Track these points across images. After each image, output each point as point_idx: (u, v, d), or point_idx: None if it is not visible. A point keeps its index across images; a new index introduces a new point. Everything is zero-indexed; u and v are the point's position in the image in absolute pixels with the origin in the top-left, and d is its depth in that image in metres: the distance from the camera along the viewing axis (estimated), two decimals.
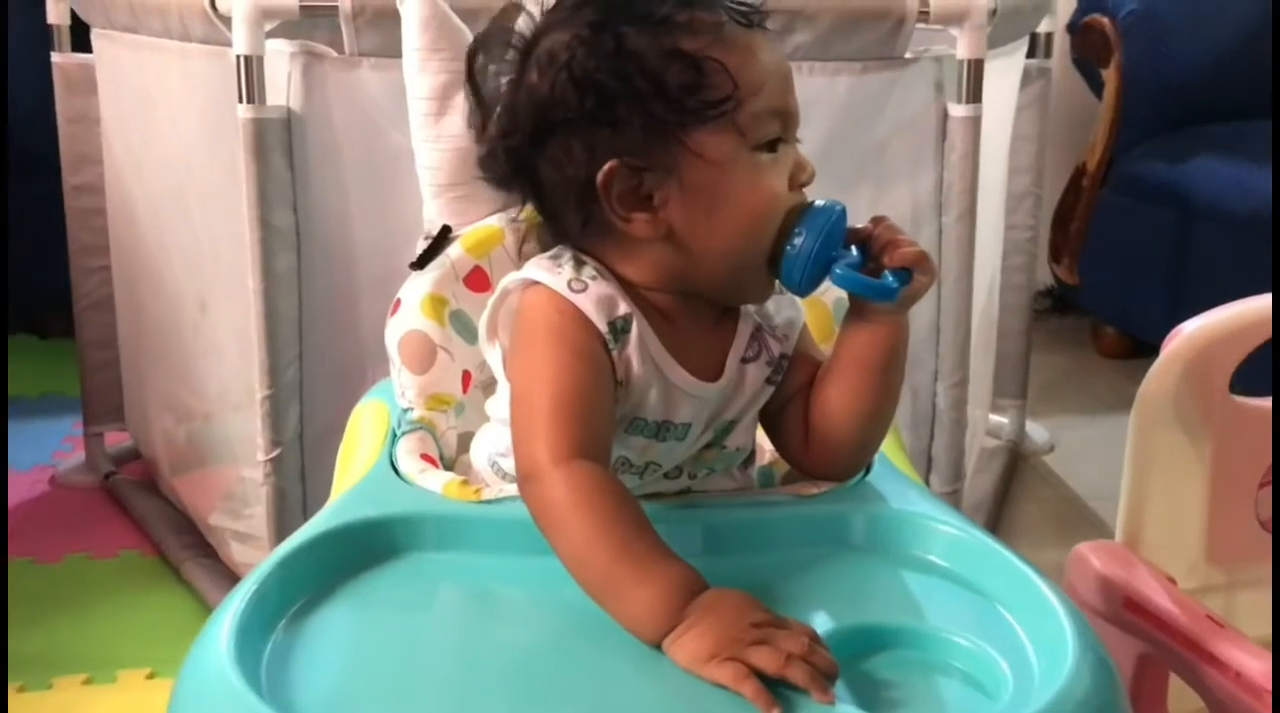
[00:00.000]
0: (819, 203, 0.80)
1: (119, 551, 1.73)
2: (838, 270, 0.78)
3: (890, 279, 0.79)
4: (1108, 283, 2.51)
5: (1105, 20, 2.45)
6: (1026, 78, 1.88)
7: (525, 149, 0.81)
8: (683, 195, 0.78)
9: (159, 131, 1.61)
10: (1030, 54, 1.88)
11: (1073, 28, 2.52)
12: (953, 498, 1.48)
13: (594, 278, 0.79)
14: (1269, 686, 0.88)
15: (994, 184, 1.76)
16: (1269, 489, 1.12)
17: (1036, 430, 2.11)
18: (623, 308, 0.79)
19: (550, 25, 0.81)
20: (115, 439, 2.00)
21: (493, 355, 0.86)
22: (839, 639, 0.69)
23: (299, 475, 1.40)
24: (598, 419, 0.76)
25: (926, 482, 1.49)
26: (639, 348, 0.79)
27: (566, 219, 0.81)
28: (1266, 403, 1.12)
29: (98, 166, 1.84)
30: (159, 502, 1.82)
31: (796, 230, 0.78)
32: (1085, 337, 2.62)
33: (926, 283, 0.80)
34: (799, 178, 0.80)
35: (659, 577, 0.69)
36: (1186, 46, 2.46)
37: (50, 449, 2.05)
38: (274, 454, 1.38)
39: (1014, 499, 1.92)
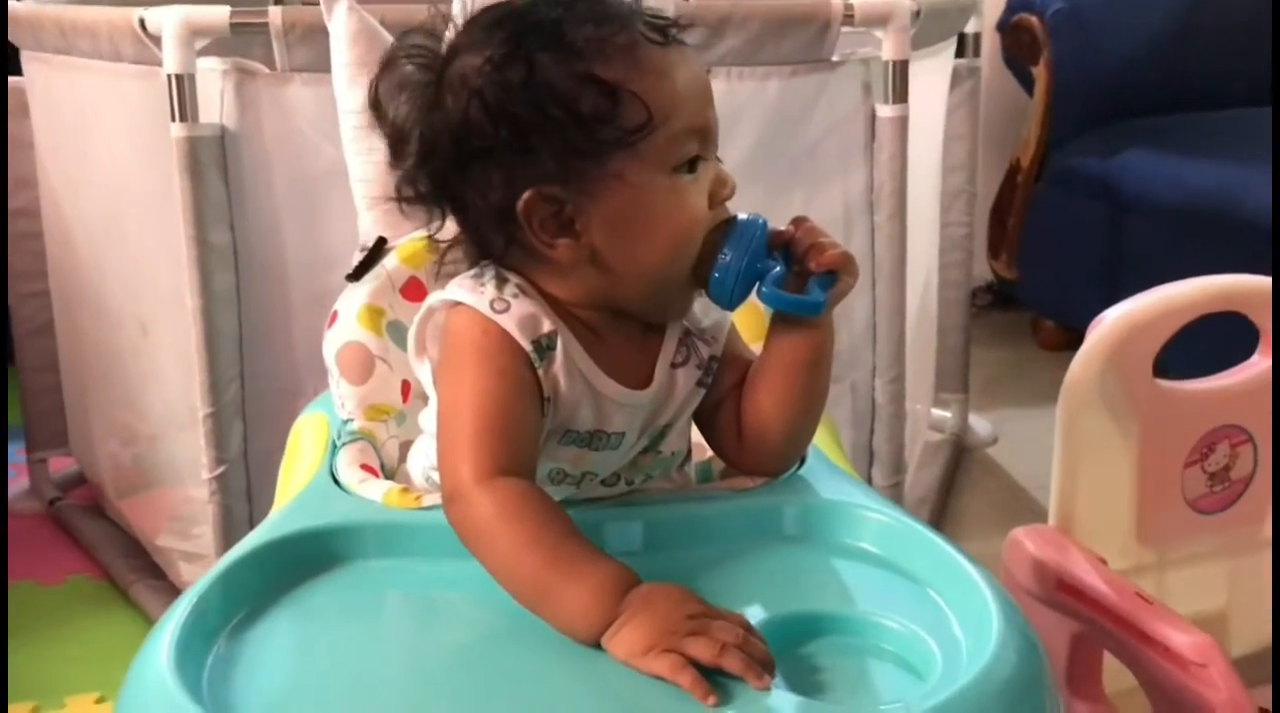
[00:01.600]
0: (741, 217, 0.81)
1: (66, 576, 1.72)
2: (764, 289, 0.79)
3: (816, 291, 0.80)
4: (1045, 277, 2.56)
5: (1034, 19, 2.50)
6: (956, 78, 1.91)
7: (446, 173, 0.80)
8: (604, 220, 0.78)
9: (93, 154, 1.60)
10: (959, 54, 1.92)
11: (1002, 27, 2.57)
12: (895, 490, 1.50)
13: (516, 296, 0.79)
14: (1197, 658, 0.90)
15: (927, 182, 1.79)
16: (1195, 469, 1.15)
17: (980, 423, 2.14)
18: (547, 325, 0.79)
19: (462, 46, 0.79)
20: (61, 465, 1.98)
21: (422, 371, 0.86)
22: (774, 628, 0.70)
23: (245, 493, 1.40)
24: (521, 438, 0.77)
25: (869, 476, 1.51)
26: (565, 364, 0.80)
27: (491, 240, 0.81)
28: (1189, 386, 1.15)
29: (32, 190, 1.82)
30: (106, 525, 1.81)
31: (723, 250, 0.78)
32: (1025, 331, 2.67)
33: (851, 283, 0.82)
34: (719, 194, 0.80)
35: (590, 575, 0.70)
36: (1114, 43, 2.51)
37: None
38: (218, 472, 1.38)
39: (959, 491, 1.95)
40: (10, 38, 1.76)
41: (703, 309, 0.87)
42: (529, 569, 0.72)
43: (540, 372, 0.78)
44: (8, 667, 1.35)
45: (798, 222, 0.83)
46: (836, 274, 0.81)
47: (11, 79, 1.80)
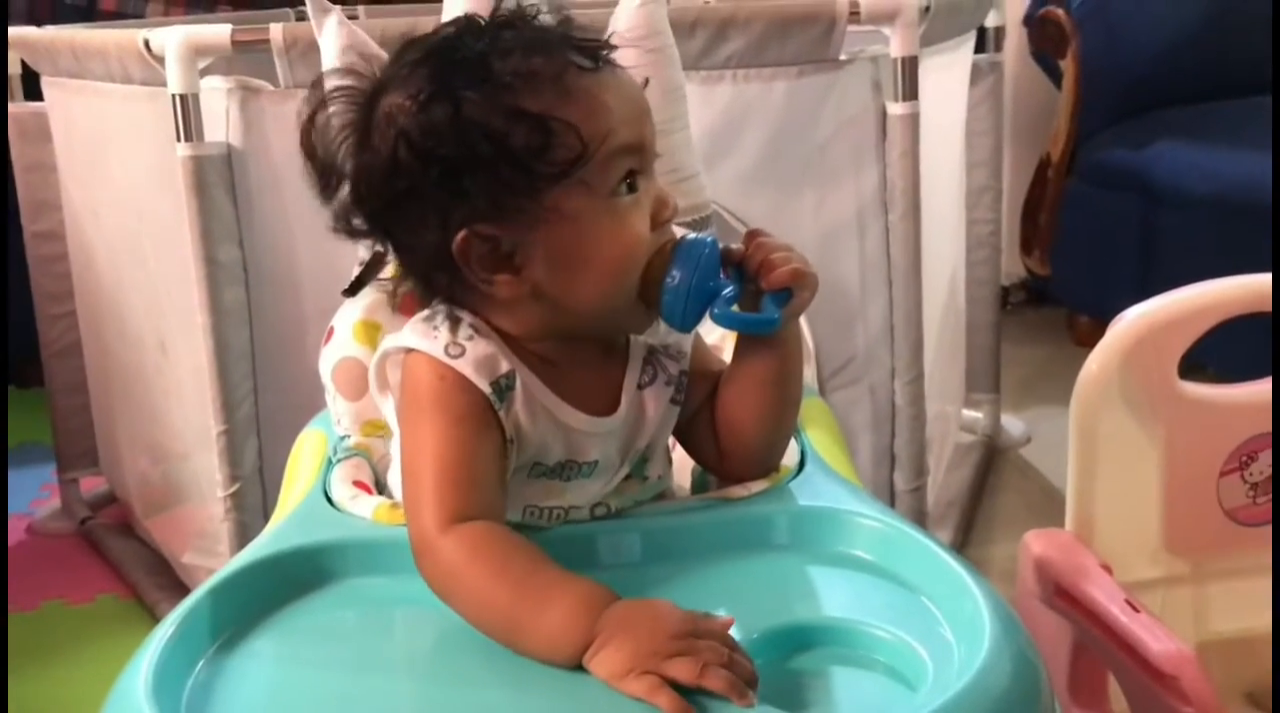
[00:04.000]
0: (690, 237, 0.79)
1: (96, 595, 1.73)
2: (716, 310, 0.77)
3: (770, 308, 0.78)
4: (1079, 272, 2.52)
5: (1060, 12, 2.46)
6: (978, 73, 1.88)
7: (379, 213, 0.78)
8: (544, 253, 0.76)
9: (110, 175, 1.61)
10: (980, 49, 1.89)
11: (1029, 20, 2.53)
12: (917, 494, 1.48)
13: (471, 338, 0.77)
14: (1169, 669, 0.87)
15: (950, 180, 1.77)
16: (1233, 478, 1.11)
17: (1012, 424, 2.10)
18: (504, 366, 0.77)
19: (388, 85, 0.77)
20: (92, 484, 2.00)
21: (385, 406, 0.84)
22: (764, 641, 0.69)
23: (260, 509, 1.40)
24: (483, 483, 0.75)
25: (890, 479, 1.48)
26: (526, 401, 0.78)
27: (434, 279, 0.80)
28: (1220, 391, 1.11)
29: (57, 213, 1.85)
30: (135, 544, 1.82)
31: (670, 271, 0.76)
32: (1061, 327, 2.62)
33: (807, 298, 0.80)
34: (661, 216, 0.78)
35: (562, 598, 0.69)
36: (1141, 34, 2.46)
37: (28, 498, 2.05)
38: (233, 489, 1.38)
39: (990, 493, 1.91)
40: (30, 63, 1.78)
41: (666, 326, 0.84)
42: (501, 604, 0.70)
43: (501, 413, 0.77)
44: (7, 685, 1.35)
45: (750, 236, 0.80)
46: (790, 291, 0.79)
47: (33, 104, 1.82)
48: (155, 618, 1.63)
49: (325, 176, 0.80)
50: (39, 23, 1.87)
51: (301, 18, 2.16)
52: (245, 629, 0.74)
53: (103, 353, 1.83)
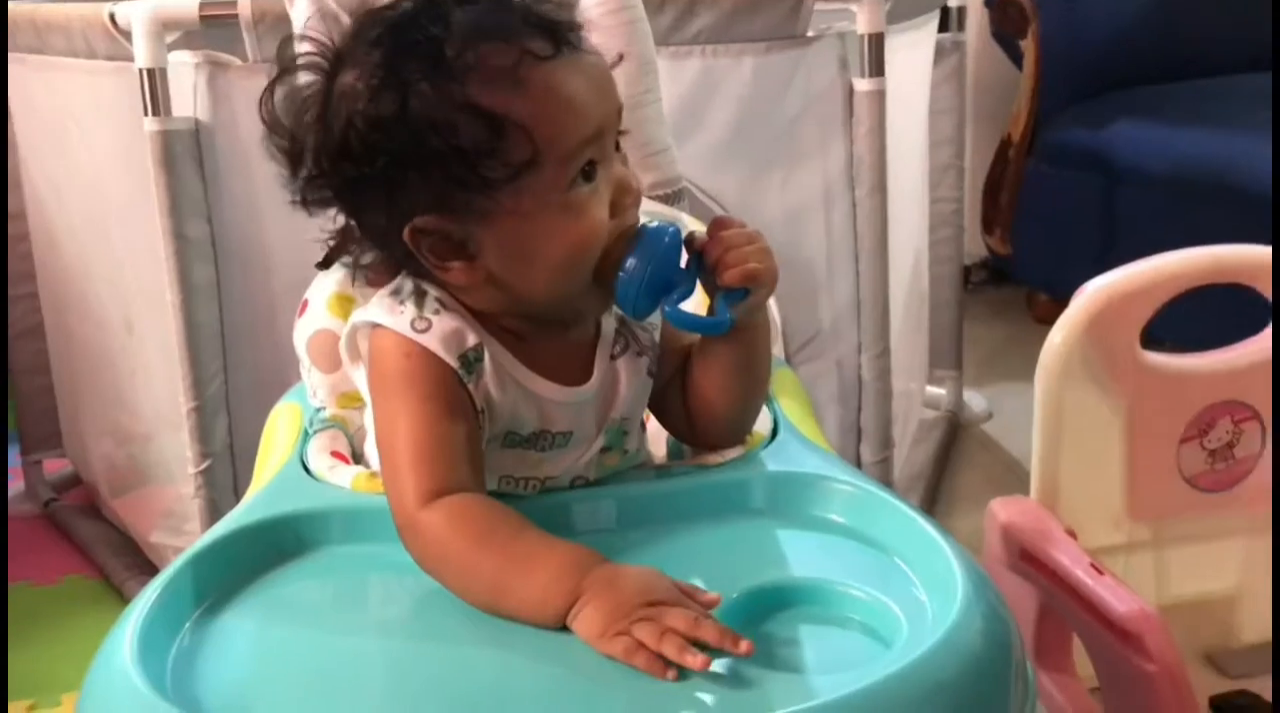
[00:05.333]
0: (652, 226, 0.78)
1: (62, 576, 1.72)
2: (667, 309, 0.76)
3: (722, 308, 0.78)
4: (1039, 251, 2.55)
5: None
6: (941, 52, 1.90)
7: (338, 192, 0.78)
8: (495, 245, 0.75)
9: (73, 153, 1.60)
10: (943, 28, 1.91)
11: (990, 2, 2.55)
12: (883, 466, 1.50)
13: (437, 312, 0.77)
14: (1132, 628, 0.89)
15: (914, 158, 1.79)
16: (1192, 445, 1.13)
17: (975, 399, 2.13)
18: (472, 339, 0.77)
19: (344, 60, 0.76)
20: (56, 466, 1.98)
21: (358, 376, 0.84)
22: (742, 602, 0.70)
23: (231, 487, 1.40)
24: (459, 456, 0.75)
25: (857, 452, 1.50)
26: (496, 373, 0.78)
27: (394, 256, 0.79)
28: (1182, 360, 1.14)
29: (17, 192, 1.82)
30: (101, 525, 1.81)
31: (627, 260, 0.75)
32: (1021, 305, 2.65)
33: (765, 295, 0.80)
34: (623, 202, 0.77)
35: (547, 561, 0.70)
36: (1101, 15, 2.49)
37: None
38: (204, 466, 1.38)
39: (954, 467, 1.94)
40: None
41: None
42: (486, 571, 0.71)
43: (470, 386, 0.77)
44: (7, 669, 1.35)
45: (715, 225, 0.79)
46: (747, 291, 0.78)
47: None
48: (124, 598, 1.62)
49: (291, 147, 0.79)
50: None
51: None
52: (228, 596, 0.74)
53: (66, 334, 1.81)
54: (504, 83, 0.72)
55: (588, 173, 0.75)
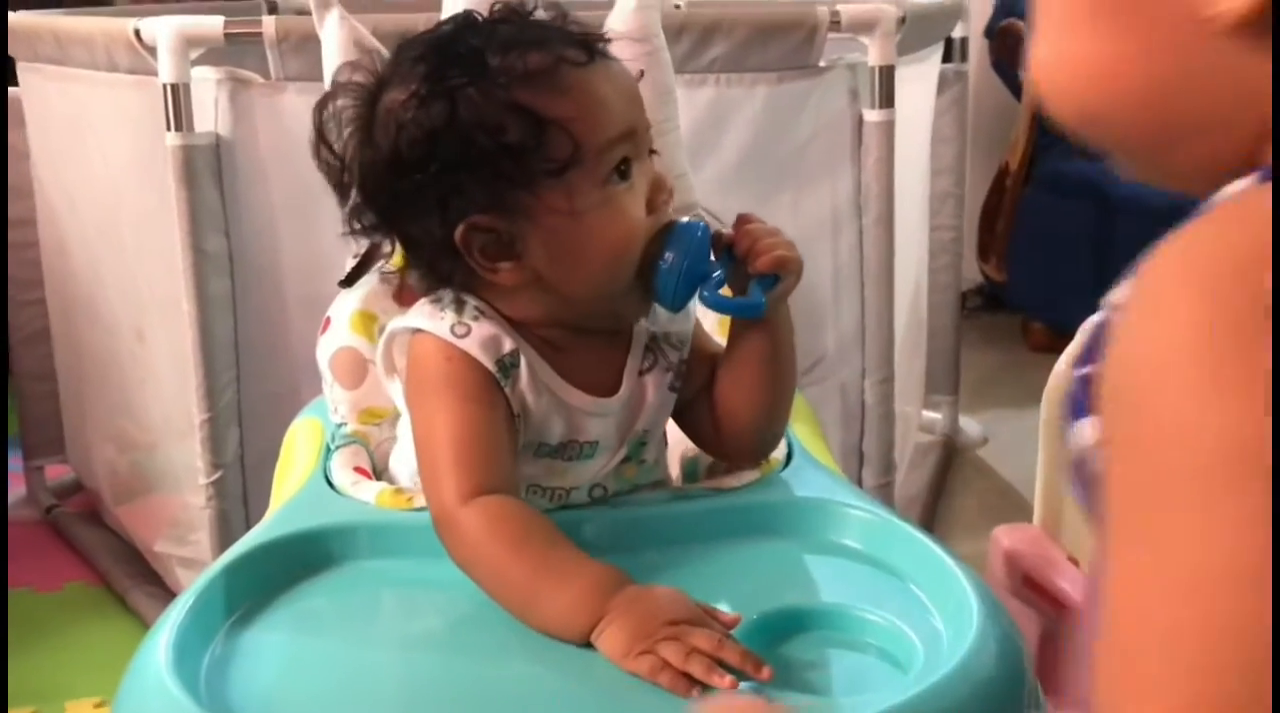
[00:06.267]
0: (683, 221, 0.82)
1: (63, 583, 1.73)
2: (705, 293, 0.80)
3: (756, 293, 0.81)
4: (1034, 279, 2.58)
5: (1021, 24, 2.52)
6: (943, 82, 1.93)
7: (386, 207, 0.82)
8: (543, 241, 0.79)
9: (89, 162, 1.61)
10: (946, 59, 1.94)
11: (990, 32, 2.59)
12: (885, 490, 1.52)
13: (476, 318, 0.80)
14: None
15: (915, 187, 1.81)
16: None
17: (970, 425, 2.16)
18: (509, 345, 0.80)
19: (388, 82, 0.80)
20: (57, 472, 1.99)
21: (393, 388, 0.87)
22: (761, 625, 0.72)
23: (241, 498, 1.41)
24: (498, 457, 0.78)
25: (859, 476, 1.52)
26: (530, 380, 0.81)
27: (438, 267, 0.83)
28: None
29: (28, 200, 1.84)
30: (103, 532, 1.82)
31: (664, 254, 0.79)
32: (1016, 333, 2.68)
33: (793, 283, 0.83)
34: (657, 199, 0.81)
35: (577, 578, 0.72)
36: None
37: None
38: (215, 477, 1.39)
39: (950, 492, 1.97)
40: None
41: (667, 315, 0.87)
42: (518, 577, 0.73)
43: (506, 390, 0.80)
44: (7, 673, 1.36)
45: (740, 221, 0.84)
46: (778, 277, 0.82)
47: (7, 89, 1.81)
48: (126, 606, 1.63)
49: (338, 177, 0.83)
50: (9, 6, 1.86)
51: (273, 7, 2.18)
52: (258, 608, 0.75)
53: (74, 340, 1.82)
54: (544, 85, 0.77)
55: (623, 171, 0.79)
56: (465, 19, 0.82)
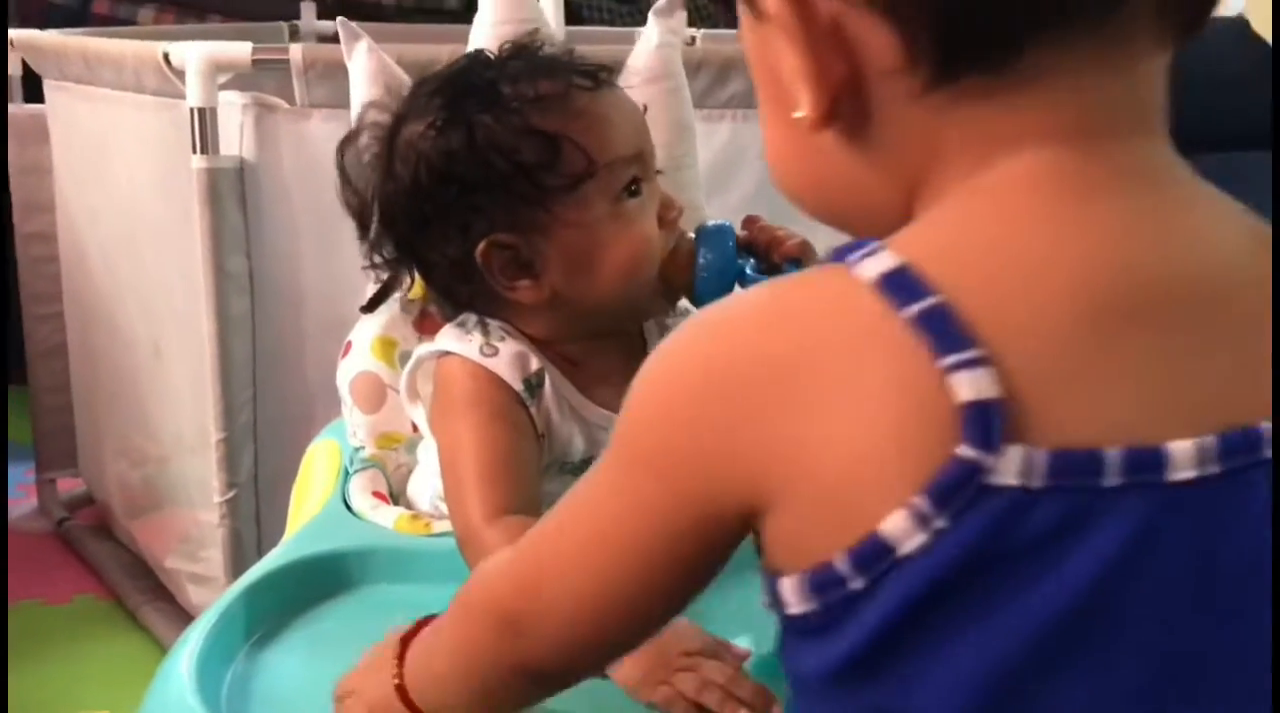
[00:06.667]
0: (710, 223, 0.86)
1: (73, 596, 1.74)
2: (749, 273, 0.84)
3: (791, 272, 0.85)
4: None
5: None
6: None
7: (406, 236, 0.84)
8: (560, 257, 0.81)
9: (113, 180, 1.64)
10: None
11: None
12: None
13: (503, 339, 0.83)
14: None
15: None
16: None
17: None
18: (535, 363, 0.83)
19: (407, 114, 0.84)
20: (68, 485, 2.00)
21: (416, 413, 0.89)
22: (773, 659, 0.73)
23: (254, 517, 1.42)
24: (523, 476, 0.80)
25: None
26: (555, 399, 0.83)
27: (458, 292, 0.85)
28: None
29: (50, 215, 1.86)
30: (113, 546, 1.83)
31: (701, 254, 0.83)
32: None
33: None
34: (667, 216, 0.84)
35: None
36: None
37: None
38: (229, 496, 1.41)
39: None
40: (34, 67, 1.80)
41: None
42: None
43: (532, 409, 0.82)
44: (8, 685, 1.37)
45: (749, 221, 0.87)
46: (800, 261, 0.85)
47: (33, 107, 1.84)
48: (137, 621, 1.65)
49: (362, 214, 0.86)
50: (29, 24, 1.89)
51: (294, 32, 2.21)
52: (278, 629, 0.77)
53: (91, 355, 1.84)
54: (556, 108, 0.81)
55: (634, 190, 0.82)
56: (477, 56, 0.87)
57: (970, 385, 0.42)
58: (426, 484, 0.93)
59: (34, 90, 1.83)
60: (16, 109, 1.85)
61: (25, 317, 1.93)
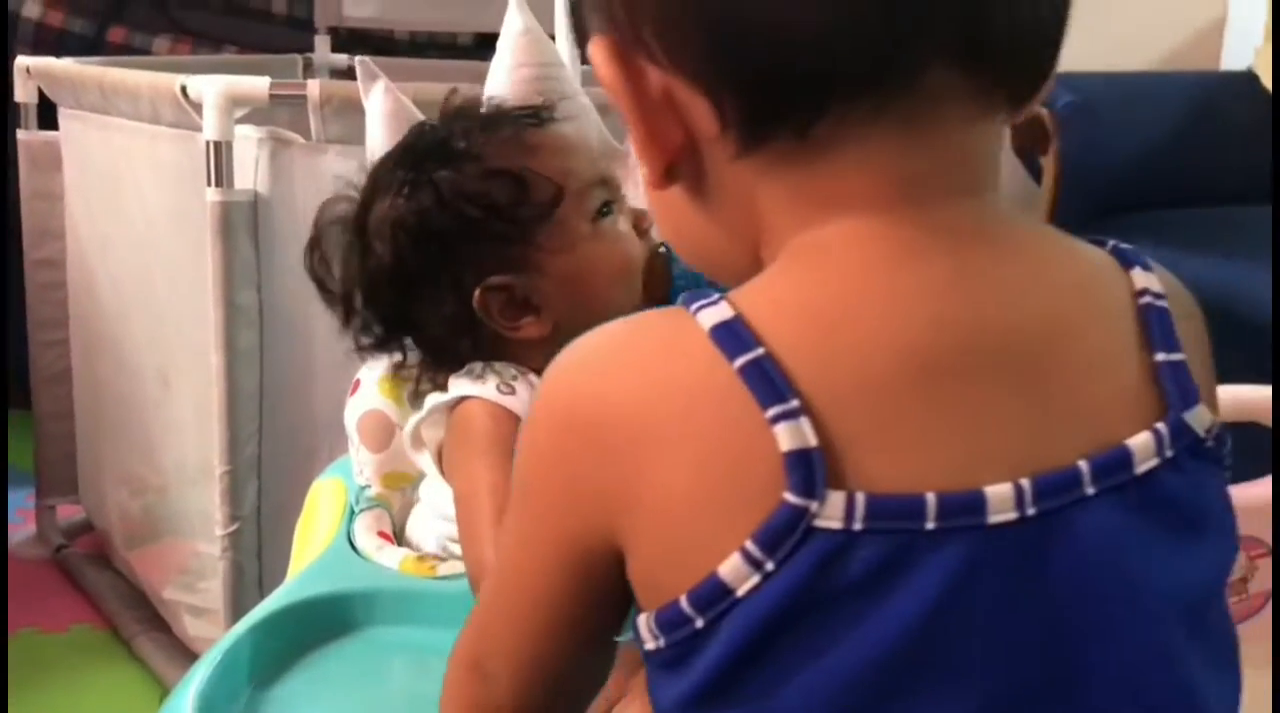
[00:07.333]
0: None
1: (70, 625, 1.73)
2: None
3: None
4: None
5: (1043, 111, 2.56)
6: None
7: (395, 308, 0.85)
8: (554, 287, 0.83)
9: (125, 209, 1.64)
10: None
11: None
12: None
13: (516, 378, 0.84)
14: None
15: None
16: None
17: None
18: None
19: (373, 195, 0.85)
20: (68, 512, 2.00)
21: (421, 459, 0.89)
22: None
23: (256, 551, 1.42)
24: None
25: None
26: None
27: (458, 349, 0.85)
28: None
29: (59, 242, 1.87)
30: (111, 575, 1.82)
31: (677, 260, 0.83)
32: None
33: None
34: (643, 223, 0.86)
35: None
36: (1124, 136, 2.56)
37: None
38: (232, 529, 1.40)
39: None
40: (49, 94, 1.81)
41: None
42: None
43: None
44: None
45: None
46: None
47: (46, 134, 1.85)
48: (132, 652, 1.63)
49: (344, 302, 0.87)
50: (43, 51, 1.90)
51: (308, 64, 2.22)
52: (282, 670, 0.77)
53: (96, 382, 1.84)
54: (512, 148, 0.84)
55: (605, 210, 0.84)
56: (420, 127, 0.90)
57: (790, 435, 0.44)
58: (429, 526, 0.92)
59: (48, 116, 1.84)
60: (30, 135, 1.86)
61: (30, 342, 1.92)
